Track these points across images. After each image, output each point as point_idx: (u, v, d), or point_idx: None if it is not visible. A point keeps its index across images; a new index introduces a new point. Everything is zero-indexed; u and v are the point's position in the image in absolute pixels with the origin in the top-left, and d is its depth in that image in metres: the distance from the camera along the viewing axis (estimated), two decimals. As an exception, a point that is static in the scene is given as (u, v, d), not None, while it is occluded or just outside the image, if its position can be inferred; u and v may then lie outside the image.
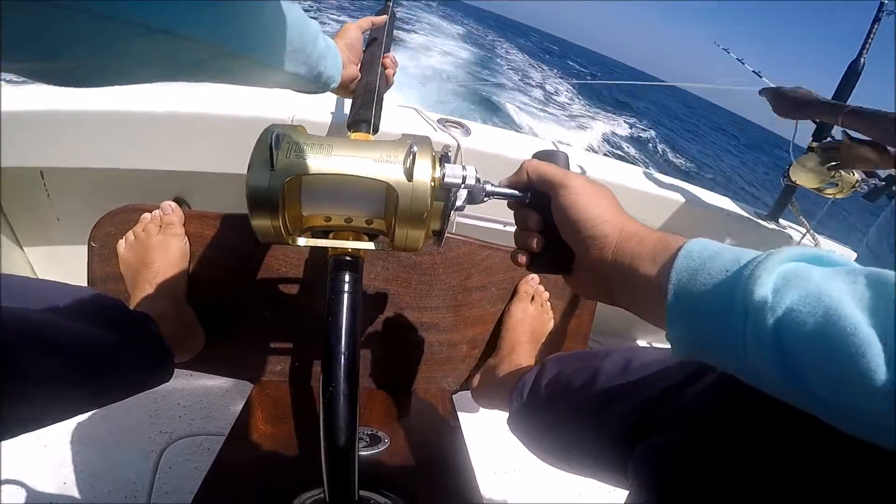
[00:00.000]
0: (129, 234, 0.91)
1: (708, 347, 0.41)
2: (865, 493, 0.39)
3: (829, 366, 0.33)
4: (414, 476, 0.79)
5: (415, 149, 0.54)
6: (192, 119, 1.15)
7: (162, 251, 0.89)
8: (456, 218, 1.32)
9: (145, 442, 1.05)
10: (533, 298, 1.06)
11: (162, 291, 0.86)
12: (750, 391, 0.40)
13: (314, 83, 0.68)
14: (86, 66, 0.34)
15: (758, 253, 0.40)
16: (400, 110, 1.40)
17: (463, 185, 0.56)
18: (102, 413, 1.07)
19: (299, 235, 0.59)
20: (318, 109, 1.10)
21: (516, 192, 0.57)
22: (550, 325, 1.07)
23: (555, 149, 0.61)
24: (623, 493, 0.64)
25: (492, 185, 0.58)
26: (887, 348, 0.32)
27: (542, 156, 0.59)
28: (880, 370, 0.31)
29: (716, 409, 0.52)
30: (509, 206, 0.60)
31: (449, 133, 1.33)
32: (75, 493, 0.97)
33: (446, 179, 0.55)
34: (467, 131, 1.39)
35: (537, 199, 0.56)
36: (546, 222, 0.55)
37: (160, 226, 0.91)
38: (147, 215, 0.91)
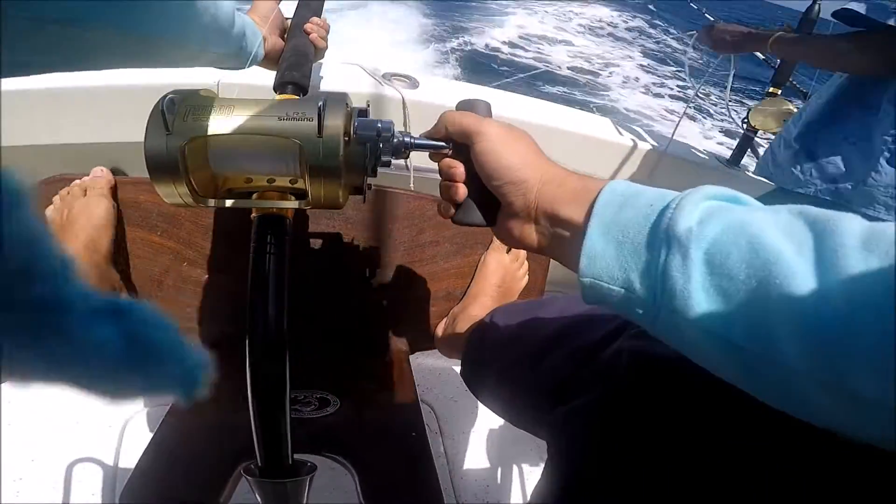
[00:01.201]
0: (56, 197, 0.90)
1: (624, 286, 0.39)
2: (771, 460, 0.39)
3: (752, 302, 0.33)
4: (363, 438, 0.79)
5: (322, 103, 0.53)
6: (123, 91, 1.14)
7: (86, 212, 0.87)
8: (413, 174, 1.30)
9: (107, 415, 1.05)
10: (510, 250, 1.04)
11: (83, 252, 0.85)
12: (661, 357, 0.41)
13: (236, 59, 0.68)
14: None
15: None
16: (342, 67, 1.38)
17: (379, 139, 0.55)
18: (60, 388, 1.06)
19: (216, 198, 0.58)
20: (248, 73, 1.08)
21: (438, 142, 0.56)
22: (524, 282, 1.05)
23: (476, 98, 0.60)
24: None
25: (412, 137, 0.57)
26: (811, 279, 0.31)
27: (462, 105, 0.58)
28: (804, 302, 0.30)
29: (628, 373, 0.52)
30: (432, 158, 0.58)
31: (394, 86, 1.30)
32: (40, 469, 0.97)
33: (359, 132, 0.54)
34: (414, 84, 1.37)
35: (458, 150, 0.55)
36: (469, 173, 0.54)
37: (85, 189, 0.89)
38: (77, 181, 0.90)
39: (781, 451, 0.39)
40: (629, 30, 14.32)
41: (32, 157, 1.16)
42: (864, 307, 0.29)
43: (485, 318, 0.87)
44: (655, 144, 1.59)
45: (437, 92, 1.39)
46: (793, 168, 1.20)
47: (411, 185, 1.25)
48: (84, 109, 1.15)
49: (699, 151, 1.71)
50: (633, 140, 1.57)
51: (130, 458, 1.00)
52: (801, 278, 0.31)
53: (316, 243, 0.97)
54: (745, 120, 1.58)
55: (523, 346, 0.74)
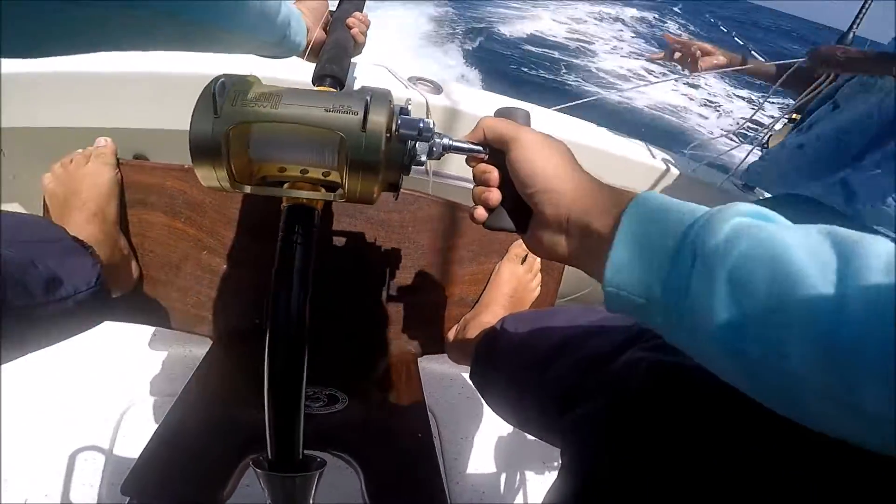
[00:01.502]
0: (56, 166, 0.88)
1: (646, 296, 0.40)
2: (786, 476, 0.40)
3: (772, 320, 0.33)
4: (369, 438, 0.78)
5: (369, 98, 0.53)
6: (151, 78, 1.14)
7: (92, 179, 0.86)
8: (432, 179, 1.31)
9: (104, 405, 1.04)
10: (525, 261, 1.04)
11: (93, 217, 0.84)
12: (678, 367, 0.41)
13: (279, 48, 0.68)
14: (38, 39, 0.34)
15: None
16: (370, 68, 1.39)
17: (419, 138, 0.55)
18: (58, 375, 1.05)
19: (251, 184, 0.58)
20: (284, 66, 1.08)
21: (475, 146, 0.57)
22: (536, 293, 1.06)
23: (516, 107, 0.61)
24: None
25: (450, 139, 0.57)
26: (831, 299, 0.31)
27: (501, 113, 0.59)
28: (822, 321, 0.31)
29: (644, 383, 0.52)
30: (468, 162, 0.59)
31: (418, 90, 1.31)
32: (32, 460, 0.96)
33: (402, 131, 0.55)
34: (438, 89, 1.38)
35: (494, 156, 0.56)
36: (504, 179, 0.55)
37: (89, 157, 0.89)
38: (80, 151, 0.90)
39: (792, 458, 0.39)
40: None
41: (54, 138, 1.16)
42: (879, 327, 0.29)
43: (496, 325, 0.88)
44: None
45: (460, 98, 1.39)
46: (813, 179, 1.20)
47: (430, 189, 1.25)
48: (109, 95, 1.15)
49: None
50: (664, 162, 1.58)
51: (127, 450, 0.99)
52: (821, 298, 0.31)
53: (337, 241, 0.97)
54: (765, 145, 1.58)
55: (533, 352, 0.75)
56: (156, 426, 0.73)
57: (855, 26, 1.47)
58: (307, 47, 0.80)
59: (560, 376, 0.66)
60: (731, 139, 1.71)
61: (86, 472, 0.97)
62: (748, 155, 1.54)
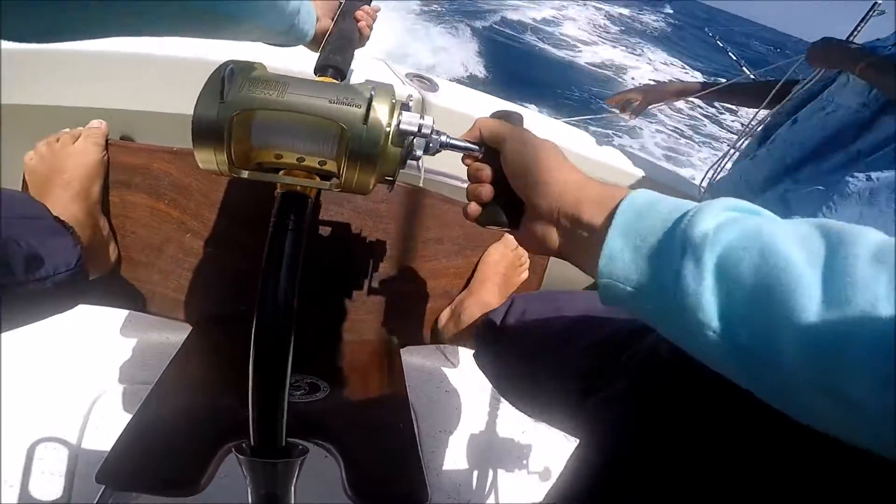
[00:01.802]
0: (41, 144, 0.87)
1: (638, 287, 0.41)
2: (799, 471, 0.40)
3: (758, 306, 0.34)
4: (350, 427, 0.78)
5: (373, 92, 0.54)
6: (141, 59, 1.14)
7: (77, 159, 0.85)
8: (423, 174, 1.32)
9: (77, 391, 1.03)
10: (515, 248, 1.06)
11: (76, 197, 0.83)
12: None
13: (286, 36, 0.68)
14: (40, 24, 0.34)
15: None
16: (368, 62, 1.40)
17: (419, 134, 0.56)
18: (31, 360, 1.04)
19: (248, 169, 0.58)
20: (285, 55, 1.08)
21: (471, 144, 0.59)
22: (524, 276, 1.07)
23: (511, 110, 0.63)
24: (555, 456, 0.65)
25: (448, 137, 0.59)
26: (817, 287, 0.31)
27: (497, 114, 0.61)
28: (808, 308, 0.31)
29: (667, 370, 0.53)
30: (463, 161, 0.61)
31: (415, 87, 1.32)
32: (3, 447, 0.94)
33: (402, 126, 0.55)
34: (434, 87, 1.39)
35: (489, 155, 0.58)
36: (497, 177, 0.57)
37: (77, 137, 0.87)
38: (67, 130, 0.88)
39: (799, 456, 0.40)
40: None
41: (44, 116, 1.14)
42: (866, 317, 0.29)
43: (504, 303, 0.89)
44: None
45: (456, 97, 1.41)
46: (758, 193, 1.24)
47: (420, 184, 1.26)
48: (98, 75, 1.14)
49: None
50: (644, 170, 1.60)
51: (100, 438, 0.98)
52: (808, 286, 0.32)
53: (323, 230, 0.97)
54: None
55: (548, 332, 0.76)
56: (129, 414, 0.72)
57: (857, 32, 1.49)
58: (316, 37, 0.79)
59: (579, 357, 0.67)
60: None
61: (56, 461, 0.96)
62: (709, 170, 1.57)
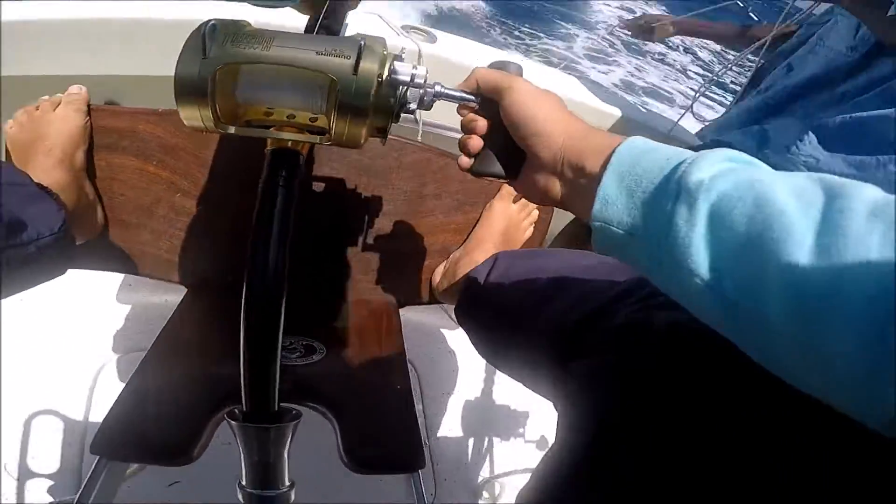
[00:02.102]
0: (20, 113, 0.85)
1: (631, 231, 0.41)
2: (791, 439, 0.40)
3: (747, 255, 0.33)
4: (346, 391, 0.77)
5: (363, 43, 0.52)
6: (123, 23, 1.11)
7: (59, 125, 0.84)
8: (421, 128, 1.30)
9: (80, 360, 1.02)
10: (516, 200, 1.03)
11: (59, 163, 0.82)
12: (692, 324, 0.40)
13: None
14: None
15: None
16: (362, 17, 1.36)
17: (412, 84, 0.55)
18: (32, 330, 1.03)
19: (236, 126, 0.56)
20: (273, 17, 1.04)
21: (467, 94, 0.58)
22: (528, 232, 1.05)
23: (509, 60, 0.62)
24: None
25: (442, 87, 0.58)
26: (809, 238, 0.31)
27: (495, 65, 0.60)
28: (797, 259, 0.31)
29: (663, 335, 0.52)
30: (459, 111, 0.60)
31: (411, 39, 1.28)
32: (7, 418, 0.95)
33: (394, 76, 0.54)
34: (432, 38, 1.35)
35: (486, 105, 0.57)
36: (494, 128, 0.57)
37: (58, 104, 0.86)
38: (45, 97, 0.87)
39: (805, 427, 0.39)
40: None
41: (20, 87, 1.11)
42: (857, 272, 0.29)
43: (488, 259, 0.88)
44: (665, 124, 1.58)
45: (455, 48, 1.37)
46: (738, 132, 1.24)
47: (419, 138, 1.23)
48: (79, 41, 1.11)
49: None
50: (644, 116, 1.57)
51: (100, 407, 0.98)
52: (799, 236, 0.31)
53: (317, 186, 0.95)
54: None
55: (528, 289, 0.75)
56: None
57: None
58: None
59: (560, 317, 0.67)
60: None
61: (57, 432, 0.96)
62: (687, 111, 1.58)
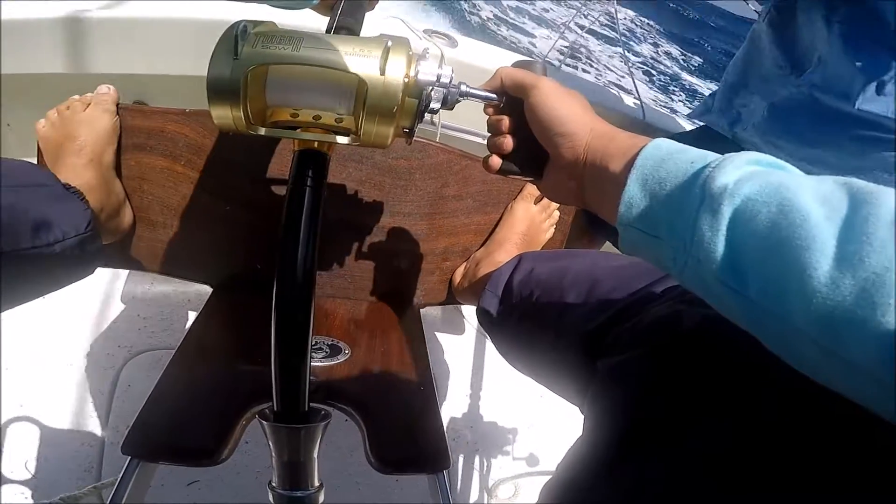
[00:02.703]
0: (52, 112, 0.86)
1: (657, 234, 0.41)
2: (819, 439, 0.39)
3: (771, 260, 0.33)
4: (371, 390, 0.77)
5: (390, 44, 0.53)
6: (152, 23, 1.12)
7: (89, 125, 0.84)
8: (440, 130, 1.29)
9: (102, 358, 1.03)
10: (538, 201, 1.03)
11: (90, 163, 0.82)
12: (719, 321, 0.40)
13: None
14: None
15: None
16: (384, 21, 1.36)
17: (437, 84, 0.56)
18: (56, 328, 1.04)
19: (265, 126, 0.57)
20: (294, 18, 1.05)
21: (491, 94, 0.59)
22: (549, 233, 1.05)
23: (534, 59, 0.63)
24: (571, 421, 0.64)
25: (467, 86, 0.58)
26: (833, 245, 0.30)
27: (520, 64, 0.60)
28: (820, 265, 0.30)
29: (692, 331, 0.52)
30: (485, 111, 0.61)
31: (434, 43, 1.29)
32: (32, 414, 0.96)
33: (420, 76, 0.55)
34: (454, 43, 1.36)
35: (511, 104, 0.58)
36: (519, 127, 0.57)
37: (88, 104, 0.86)
38: (76, 97, 0.87)
39: (835, 421, 0.39)
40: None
41: (51, 86, 1.12)
42: (880, 281, 0.29)
43: (511, 261, 0.87)
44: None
45: (475, 52, 1.38)
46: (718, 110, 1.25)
47: (437, 139, 1.23)
48: (111, 41, 1.12)
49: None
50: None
51: (129, 407, 0.99)
52: (823, 242, 0.31)
53: (342, 187, 0.95)
54: None
55: (553, 291, 0.74)
56: (154, 380, 0.71)
57: None
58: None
59: (588, 318, 0.66)
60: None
61: (87, 432, 0.97)
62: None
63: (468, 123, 1.35)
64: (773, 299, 0.33)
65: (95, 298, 1.10)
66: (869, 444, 0.37)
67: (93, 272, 0.77)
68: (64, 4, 1.07)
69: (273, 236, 0.55)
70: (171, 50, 1.14)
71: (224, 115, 0.52)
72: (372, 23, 0.80)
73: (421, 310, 1.02)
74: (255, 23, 0.54)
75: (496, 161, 0.59)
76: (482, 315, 0.87)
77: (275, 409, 0.57)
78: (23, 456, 0.92)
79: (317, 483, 0.59)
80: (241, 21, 0.52)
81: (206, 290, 0.95)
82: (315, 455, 0.59)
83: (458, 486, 1.11)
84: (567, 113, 0.52)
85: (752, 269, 0.34)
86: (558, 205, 1.03)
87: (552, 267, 0.79)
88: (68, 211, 0.72)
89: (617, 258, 0.74)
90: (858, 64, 0.93)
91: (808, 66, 1.02)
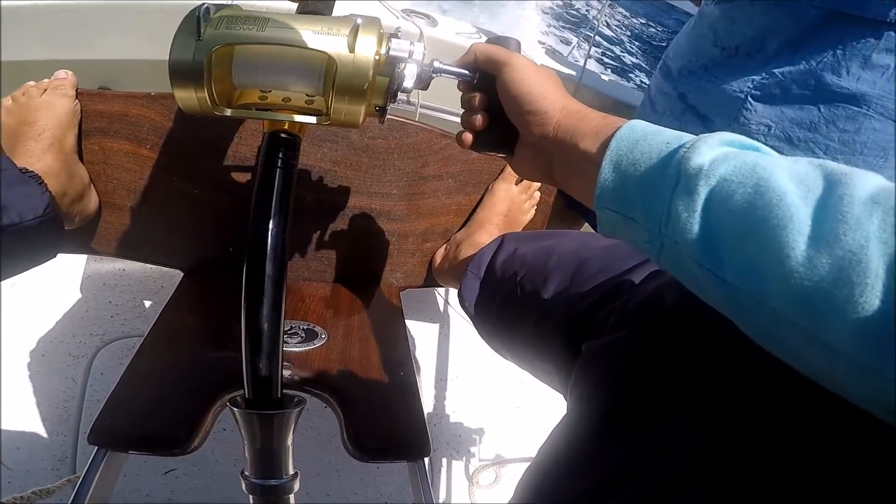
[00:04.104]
0: (6, 99, 0.83)
1: (633, 216, 0.41)
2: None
3: (748, 241, 0.33)
4: (349, 377, 0.76)
5: (359, 21, 0.53)
6: (115, 8, 1.11)
7: (47, 110, 0.82)
8: (419, 109, 1.30)
9: (74, 346, 1.01)
10: (519, 181, 1.02)
11: (49, 147, 0.80)
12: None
13: None
14: None
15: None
16: (362, 2, 1.33)
17: (409, 60, 0.55)
18: (26, 316, 1.02)
19: (232, 108, 0.56)
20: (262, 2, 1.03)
21: (464, 70, 0.58)
22: (530, 214, 1.04)
23: (507, 36, 0.62)
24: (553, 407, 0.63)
25: (440, 62, 0.58)
26: (808, 224, 0.30)
27: (494, 40, 0.60)
28: (797, 245, 0.30)
29: (674, 309, 0.52)
30: (459, 87, 0.60)
31: (413, 22, 1.27)
32: (3, 405, 0.94)
33: (391, 53, 0.54)
34: (433, 22, 1.35)
35: (484, 80, 0.57)
36: (491, 103, 0.57)
37: (44, 89, 0.84)
38: (31, 83, 0.85)
39: (816, 406, 0.38)
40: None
41: (9, 73, 1.10)
42: (856, 260, 0.29)
43: (493, 242, 0.86)
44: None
45: (456, 31, 1.36)
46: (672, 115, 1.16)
47: (416, 118, 1.21)
48: (72, 26, 1.10)
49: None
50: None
51: (99, 397, 0.97)
52: (799, 221, 0.31)
53: (317, 166, 0.93)
54: None
55: (536, 273, 0.73)
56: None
57: None
58: None
59: (572, 301, 0.66)
60: None
61: (51, 419, 0.95)
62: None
63: (448, 103, 1.34)
64: (750, 281, 0.33)
65: (66, 286, 1.08)
66: (852, 426, 0.36)
67: (54, 256, 0.75)
68: None
69: (244, 218, 0.54)
70: (136, 34, 1.12)
71: (188, 97, 0.52)
72: (346, 2, 0.78)
73: (401, 293, 1.01)
74: (219, 6, 0.53)
75: (468, 137, 0.59)
76: (464, 298, 0.86)
77: (246, 395, 0.56)
78: None
79: (291, 471, 0.58)
80: (203, 3, 0.51)
81: (180, 275, 0.93)
82: (289, 443, 0.58)
83: (441, 473, 1.10)
84: (539, 90, 0.52)
85: (729, 250, 0.34)
86: (539, 185, 1.02)
87: (537, 247, 0.78)
88: (24, 194, 0.70)
89: (605, 238, 0.73)
90: None
91: None
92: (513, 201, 1.00)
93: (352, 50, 0.51)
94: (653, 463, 0.45)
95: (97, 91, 0.88)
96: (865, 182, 0.31)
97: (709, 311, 0.40)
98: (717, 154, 0.37)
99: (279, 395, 0.57)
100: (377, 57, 0.52)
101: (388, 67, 0.55)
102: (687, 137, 0.40)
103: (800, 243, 0.30)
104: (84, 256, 0.95)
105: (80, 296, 1.08)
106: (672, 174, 0.38)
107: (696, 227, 0.36)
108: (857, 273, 0.28)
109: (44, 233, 0.71)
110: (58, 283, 1.07)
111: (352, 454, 0.66)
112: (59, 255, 0.76)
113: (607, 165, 0.43)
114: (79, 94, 0.86)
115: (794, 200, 0.32)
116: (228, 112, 0.55)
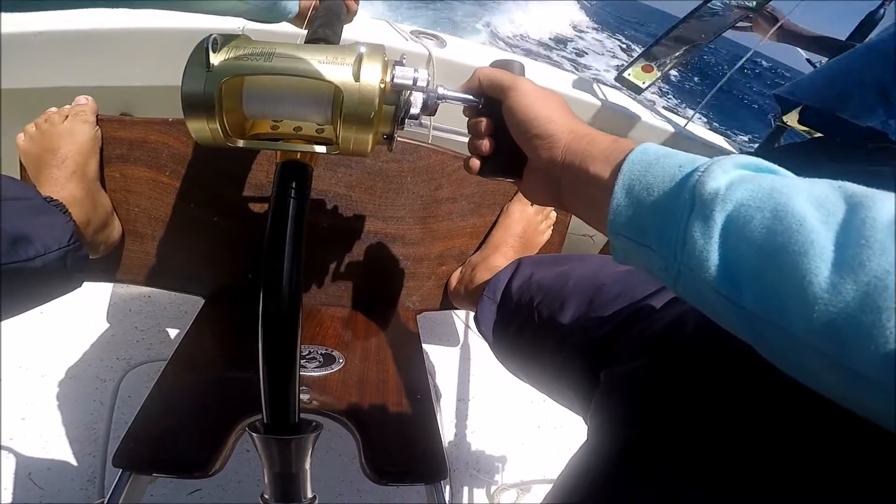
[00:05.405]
0: (30, 126, 0.85)
1: (647, 243, 0.40)
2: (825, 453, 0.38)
3: (767, 268, 0.32)
4: (366, 399, 0.76)
5: (363, 50, 0.53)
6: (134, 34, 1.12)
7: (69, 137, 0.83)
8: (431, 132, 1.30)
9: (102, 370, 1.03)
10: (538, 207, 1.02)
11: (72, 175, 0.81)
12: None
13: (270, 13, 0.66)
14: None
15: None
16: (370, 23, 1.37)
17: (414, 87, 0.55)
18: (55, 342, 1.05)
19: (244, 139, 0.57)
20: (270, 32, 1.06)
21: (469, 96, 0.58)
22: (547, 235, 1.03)
23: (511, 59, 0.62)
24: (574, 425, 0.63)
25: (445, 88, 0.58)
26: (830, 250, 0.30)
27: (497, 64, 0.60)
28: (819, 272, 0.29)
29: (694, 338, 0.51)
30: (464, 113, 0.60)
31: (421, 44, 1.28)
32: (31, 428, 0.95)
33: (396, 80, 0.54)
34: (442, 43, 1.36)
35: (489, 105, 0.57)
36: (498, 128, 0.56)
37: (66, 116, 0.86)
38: (53, 109, 0.86)
39: (835, 428, 0.38)
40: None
41: (32, 100, 1.12)
42: (882, 286, 0.28)
43: (509, 266, 0.86)
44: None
45: (465, 52, 1.37)
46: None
47: (429, 141, 1.22)
48: (93, 53, 1.12)
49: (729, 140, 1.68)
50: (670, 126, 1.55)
51: (124, 421, 0.98)
52: (821, 248, 0.30)
53: (333, 191, 0.94)
54: (777, 116, 1.54)
55: (554, 298, 0.73)
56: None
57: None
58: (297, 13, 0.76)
59: (590, 327, 0.65)
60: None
61: (79, 442, 0.97)
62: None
63: (461, 124, 1.34)
64: (771, 308, 0.32)
65: (94, 312, 1.10)
66: (871, 448, 0.36)
67: (80, 285, 0.76)
68: (43, 18, 1.06)
69: (261, 246, 0.55)
70: (155, 61, 1.13)
71: (201, 128, 0.52)
72: (358, 24, 0.80)
73: (417, 316, 1.01)
74: (227, 36, 0.54)
75: (475, 163, 0.58)
76: (480, 322, 0.85)
77: (264, 421, 0.57)
78: (25, 469, 0.92)
79: (310, 494, 0.59)
80: (211, 34, 0.52)
81: (202, 301, 0.95)
82: (307, 466, 0.59)
83: (462, 494, 1.09)
84: (545, 114, 0.51)
85: (748, 278, 0.33)
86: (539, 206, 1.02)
87: (553, 272, 0.77)
88: (49, 224, 0.70)
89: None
90: None
91: None
92: (528, 222, 1.00)
93: (357, 78, 0.51)
94: (677, 489, 0.44)
95: (117, 117, 0.90)
96: (888, 204, 0.30)
97: (731, 336, 0.39)
98: (733, 177, 0.36)
99: (296, 421, 0.58)
100: (382, 85, 0.53)
101: (394, 95, 0.55)
102: (700, 160, 0.39)
103: (822, 269, 0.29)
104: (110, 284, 0.97)
105: (106, 322, 1.10)
106: (687, 199, 0.37)
107: (713, 255, 0.35)
108: (884, 298, 0.27)
109: (69, 263, 0.71)
110: (85, 309, 1.09)
111: (369, 477, 0.66)
112: (85, 283, 0.78)
113: (620, 190, 0.42)
114: (99, 121, 0.87)
115: (814, 225, 0.31)
116: (241, 143, 0.55)
